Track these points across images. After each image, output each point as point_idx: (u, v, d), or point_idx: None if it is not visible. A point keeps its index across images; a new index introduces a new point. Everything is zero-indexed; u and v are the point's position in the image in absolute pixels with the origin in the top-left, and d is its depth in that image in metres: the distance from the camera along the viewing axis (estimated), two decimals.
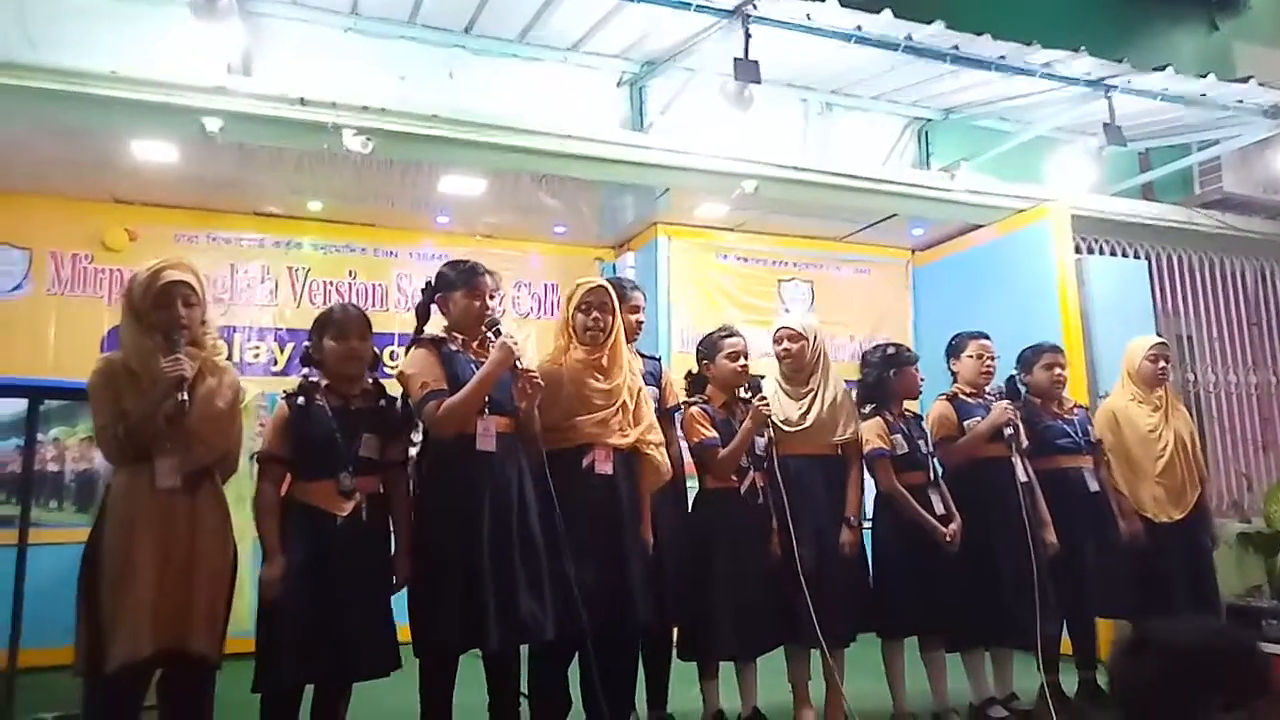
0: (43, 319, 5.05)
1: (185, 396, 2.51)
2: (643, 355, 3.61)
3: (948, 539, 3.54)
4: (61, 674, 3.29)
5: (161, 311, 2.58)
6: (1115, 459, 4.12)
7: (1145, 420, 4.10)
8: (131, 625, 2.41)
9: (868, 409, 3.75)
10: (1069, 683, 3.98)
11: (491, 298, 3.06)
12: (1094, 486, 3.98)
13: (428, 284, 3.12)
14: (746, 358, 3.53)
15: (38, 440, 4.90)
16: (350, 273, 5.68)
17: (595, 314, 3.12)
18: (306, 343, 2.95)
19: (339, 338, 2.86)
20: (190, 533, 2.56)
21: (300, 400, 2.82)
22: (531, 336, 5.74)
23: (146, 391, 2.53)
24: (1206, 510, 4.18)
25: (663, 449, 3.22)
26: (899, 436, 3.65)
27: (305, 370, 2.95)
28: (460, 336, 3.03)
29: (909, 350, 3.89)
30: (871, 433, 3.65)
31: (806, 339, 3.64)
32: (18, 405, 4.51)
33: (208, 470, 2.65)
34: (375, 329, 3.00)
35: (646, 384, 3.47)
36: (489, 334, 2.97)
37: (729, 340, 3.53)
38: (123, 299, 2.67)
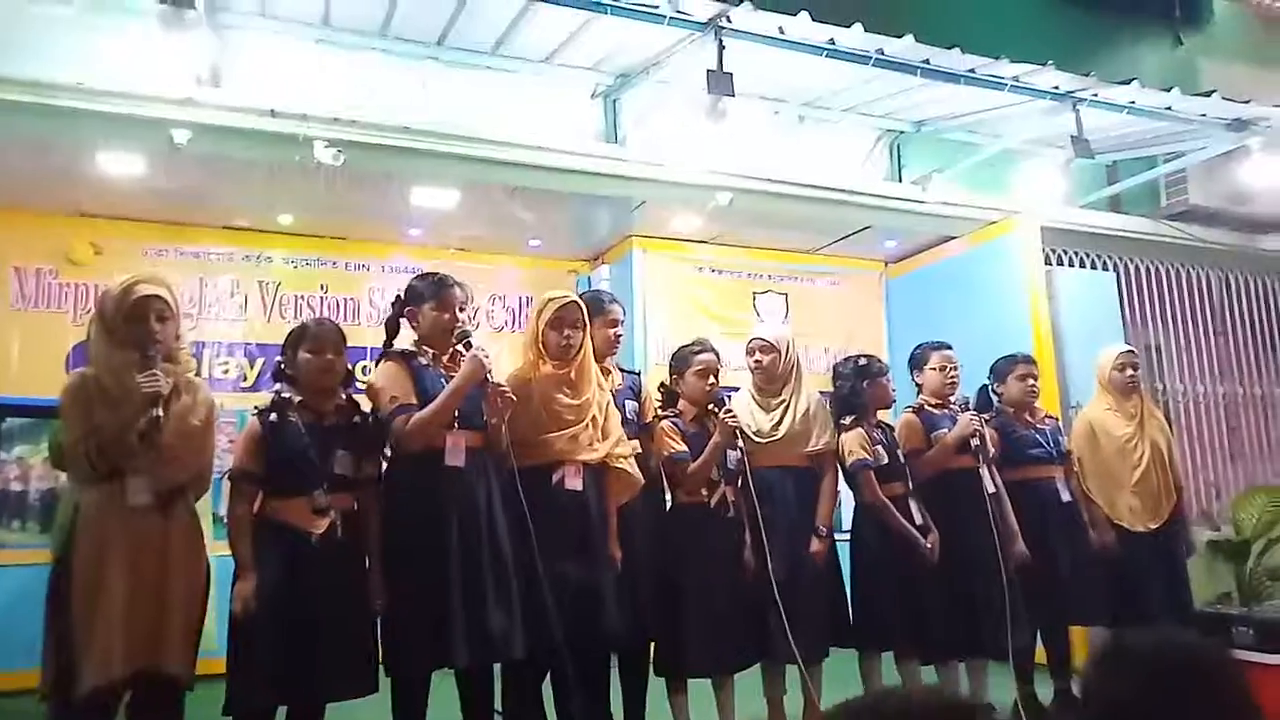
0: (6, 335, 4.95)
1: (160, 413, 2.47)
2: (622, 370, 3.60)
3: (928, 548, 3.55)
4: (22, 699, 3.23)
5: (134, 326, 2.55)
6: (1091, 469, 4.15)
7: (1121, 430, 4.14)
8: (103, 647, 2.38)
9: (848, 420, 3.75)
10: (1045, 693, 4.00)
11: (461, 310, 3.04)
12: (1066, 496, 4.01)
13: (397, 297, 3.09)
14: (717, 375, 3.52)
15: (1, 459, 4.83)
16: (322, 286, 5.62)
17: (567, 330, 3.10)
18: (279, 358, 2.91)
19: (314, 351, 2.82)
20: (163, 552, 2.53)
21: (273, 416, 2.78)
22: (505, 350, 5.70)
23: (119, 407, 2.49)
24: (1184, 518, 4.23)
25: (633, 461, 3.20)
26: (880, 447, 3.66)
27: (277, 386, 2.90)
28: (430, 350, 3.01)
29: (880, 361, 3.91)
30: (854, 444, 3.65)
31: (779, 350, 3.64)
32: None
33: (180, 489, 2.61)
34: (348, 343, 2.96)
35: (626, 398, 3.46)
36: (459, 347, 2.94)
37: (699, 356, 3.52)
38: (94, 314, 2.63)
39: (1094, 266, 6.06)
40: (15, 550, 4.44)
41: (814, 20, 4.25)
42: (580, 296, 3.53)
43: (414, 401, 2.84)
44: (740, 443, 3.47)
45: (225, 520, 2.78)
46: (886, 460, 3.64)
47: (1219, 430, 6.38)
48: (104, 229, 5.18)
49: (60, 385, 2.61)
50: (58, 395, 2.60)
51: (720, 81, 4.20)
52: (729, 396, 3.57)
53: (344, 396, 2.93)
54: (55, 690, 2.43)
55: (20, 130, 3.99)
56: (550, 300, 3.16)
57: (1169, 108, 5.08)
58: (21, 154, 4.31)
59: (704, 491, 3.40)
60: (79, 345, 4.96)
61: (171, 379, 2.57)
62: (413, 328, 3.05)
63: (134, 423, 2.47)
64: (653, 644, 3.42)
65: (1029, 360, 4.18)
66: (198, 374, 2.81)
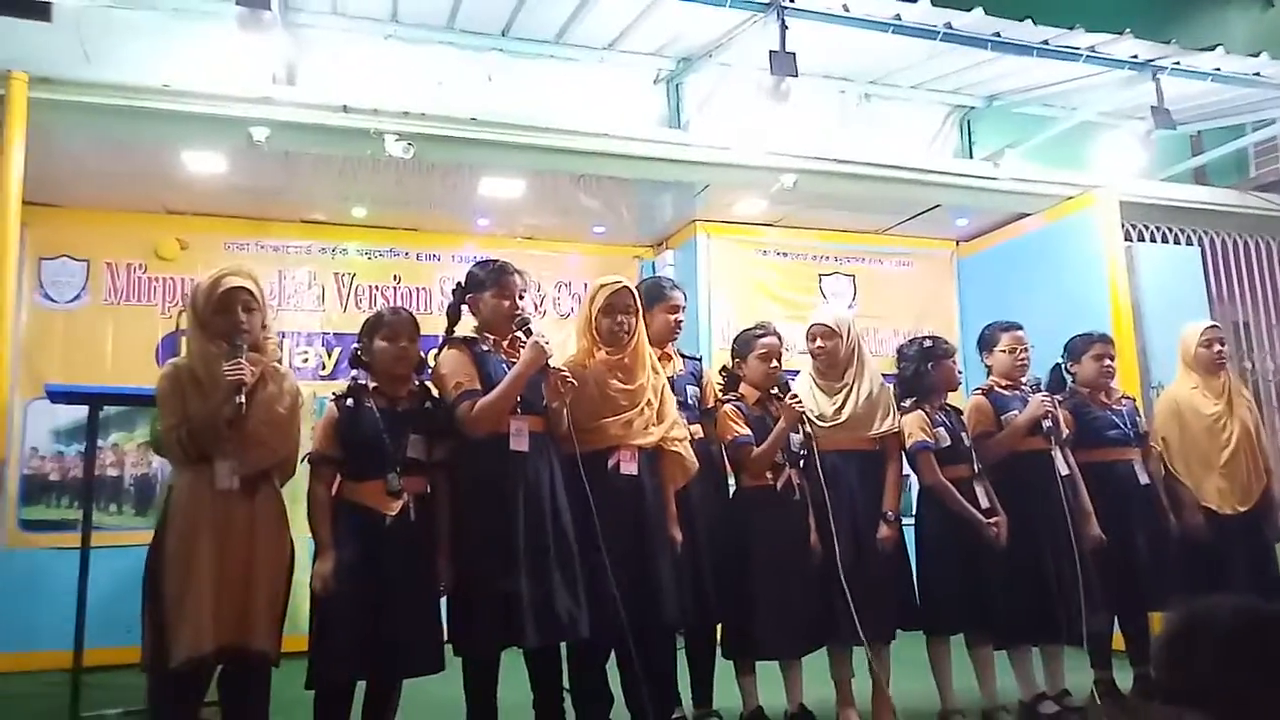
0: (100, 328, 5.20)
1: (243, 400, 2.57)
2: (684, 355, 3.61)
3: (993, 532, 3.50)
4: (122, 672, 3.41)
5: (222, 317, 2.66)
6: (1177, 449, 4.01)
7: (1209, 409, 3.99)
8: (194, 622, 2.48)
9: (908, 403, 3.71)
10: (1124, 679, 3.91)
11: (521, 297, 3.08)
12: (1144, 479, 3.88)
13: (458, 285, 3.15)
14: (780, 358, 3.51)
15: (98, 446, 5.09)
16: (395, 277, 5.76)
17: (620, 316, 3.13)
18: (355, 345, 3.00)
19: (390, 339, 2.90)
20: (249, 533, 2.63)
21: (349, 402, 2.87)
22: (572, 336, 5.75)
23: (208, 396, 2.60)
24: (1273, 502, 4.07)
25: (688, 445, 3.21)
26: (942, 430, 3.60)
27: (354, 372, 3.00)
28: (491, 337, 3.06)
29: (946, 343, 3.82)
30: (914, 426, 3.61)
31: (840, 334, 3.60)
32: (78, 412, 4.65)
33: (265, 473, 2.71)
34: (421, 332, 3.04)
35: (688, 384, 3.48)
36: (520, 333, 3.00)
37: (762, 340, 3.51)
38: (187, 306, 2.75)
39: (1177, 241, 5.83)
40: (112, 532, 4.67)
41: None
42: (641, 283, 3.57)
43: (478, 387, 2.90)
44: (805, 426, 3.45)
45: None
46: (949, 443, 3.58)
47: None
48: (188, 225, 5.40)
49: (151, 375, 2.76)
50: (152, 385, 2.72)
51: (783, 62, 4.17)
52: (791, 379, 3.55)
53: (417, 383, 3.01)
54: (153, 664, 2.55)
55: (109, 132, 4.18)
56: (602, 286, 3.19)
57: (1257, 73, 4.87)
58: (110, 155, 4.51)
59: (769, 475, 3.39)
60: (168, 336, 5.20)
61: (258, 368, 2.67)
62: (474, 315, 3.11)
63: (221, 410, 2.58)
64: (720, 626, 3.45)
65: (1105, 339, 4.05)
66: (283, 364, 2.91)
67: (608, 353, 3.14)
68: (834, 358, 3.59)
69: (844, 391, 3.56)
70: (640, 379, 3.14)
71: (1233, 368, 5.76)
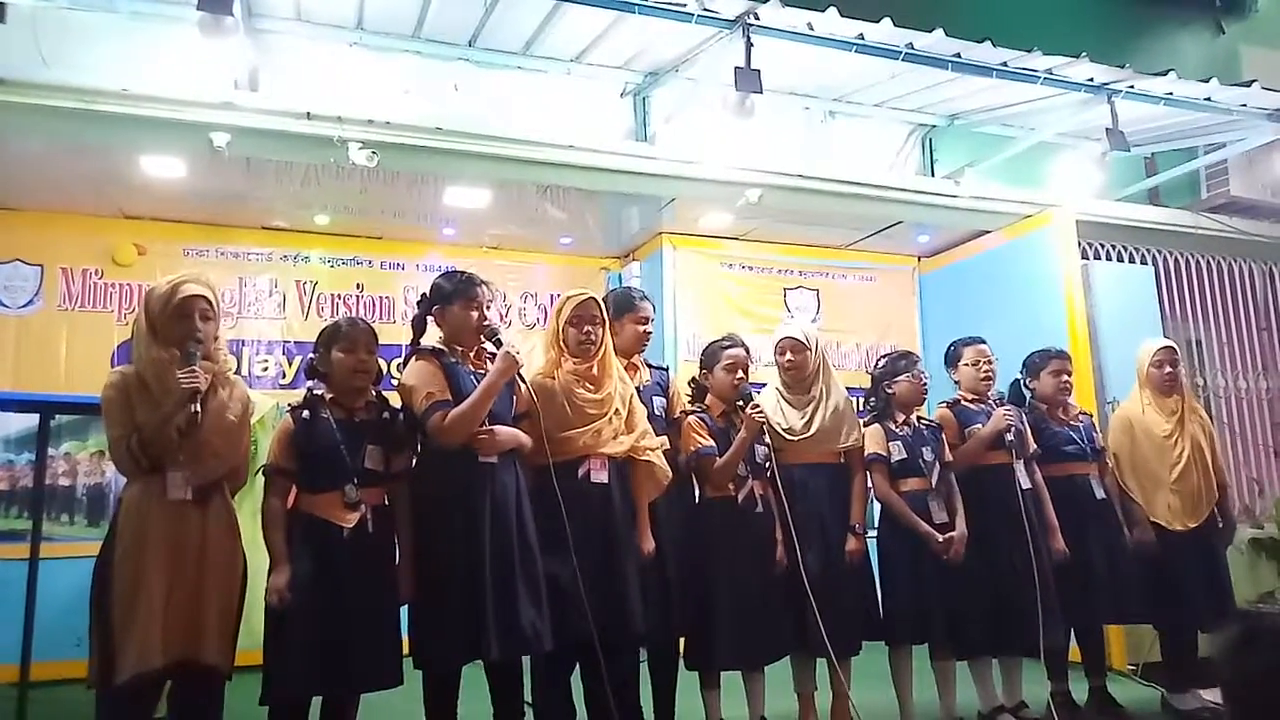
0: (54, 334, 5.09)
1: (198, 409, 2.53)
2: (650, 365, 3.63)
3: (940, 543, 3.53)
4: (71, 687, 3.33)
5: (178, 324, 2.62)
6: (1129, 466, 4.09)
7: (1160, 427, 4.07)
8: (143, 636, 2.43)
9: (869, 415, 3.76)
10: (1079, 691, 3.96)
11: (488, 308, 3.08)
12: (1100, 494, 3.96)
13: (423, 296, 3.14)
14: (746, 370, 3.54)
15: (49, 455, 4.97)
16: (357, 285, 5.71)
17: (586, 327, 3.15)
18: (312, 355, 2.97)
19: (347, 350, 2.88)
20: (201, 544, 2.58)
21: (305, 413, 2.84)
22: (537, 348, 5.74)
23: (159, 403, 2.55)
24: (1229, 517, 4.15)
25: (660, 455, 3.23)
26: (898, 443, 3.65)
27: (310, 383, 2.96)
28: (458, 348, 3.05)
29: (908, 357, 3.86)
30: (870, 439, 3.67)
31: (809, 348, 3.64)
32: (29, 420, 4.55)
33: (218, 483, 2.67)
34: (382, 341, 3.04)
35: (654, 394, 3.49)
36: (489, 344, 2.99)
37: (728, 351, 3.54)
38: (140, 311, 2.69)
39: (1132, 260, 5.96)
40: (63, 543, 4.55)
41: (842, 16, 4.25)
42: (610, 294, 3.59)
43: (449, 398, 2.89)
44: (767, 438, 3.48)
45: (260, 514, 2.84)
46: (904, 456, 3.63)
47: (1262, 427, 6.25)
48: (146, 230, 5.31)
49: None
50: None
51: (748, 79, 4.21)
52: (756, 392, 3.58)
53: (374, 393, 2.99)
54: (101, 679, 2.49)
55: (66, 135, 4.10)
56: (569, 298, 3.21)
57: (1208, 98, 5.00)
58: (67, 158, 4.43)
59: (731, 486, 3.41)
60: (124, 344, 5.10)
61: (209, 376, 2.63)
62: (439, 326, 3.10)
63: (173, 418, 2.54)
64: (683, 638, 3.45)
65: (1063, 355, 4.13)
66: (237, 372, 2.87)
67: (574, 363, 3.15)
68: (802, 371, 3.62)
69: (812, 405, 3.60)
70: (607, 389, 3.15)
71: (1186, 384, 5.92)
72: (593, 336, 3.15)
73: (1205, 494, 4.04)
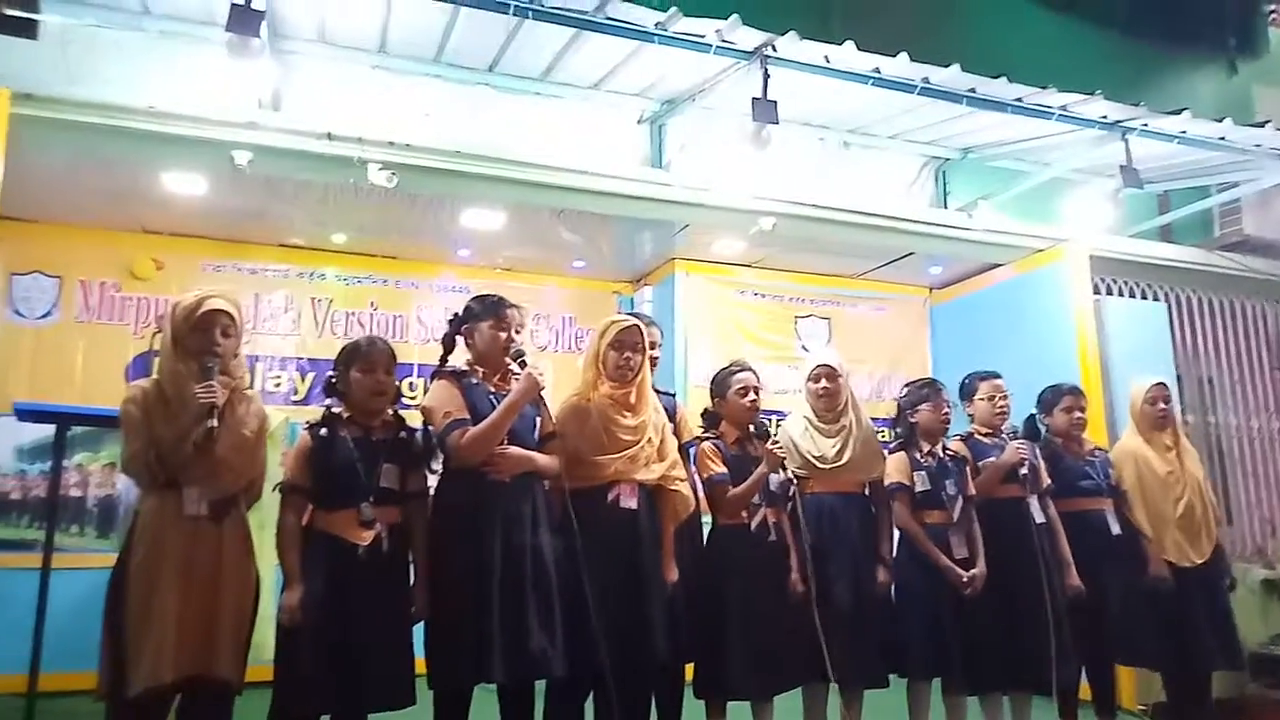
0: (70, 346, 5.13)
1: (215, 424, 2.55)
2: (658, 391, 3.63)
3: (964, 581, 3.52)
4: (78, 698, 3.34)
5: (199, 336, 2.65)
6: (1139, 501, 4.04)
7: (1161, 464, 4.05)
8: (156, 649, 2.44)
9: (894, 444, 3.77)
10: None
11: (518, 331, 3.11)
12: (1116, 529, 3.93)
13: (455, 316, 3.17)
14: (757, 393, 3.54)
15: (62, 466, 5.00)
16: (371, 304, 5.75)
17: (627, 353, 3.16)
18: (331, 373, 2.99)
19: (366, 370, 2.90)
20: (215, 559, 2.60)
21: (323, 431, 2.86)
22: (550, 370, 5.78)
23: (177, 417, 2.57)
24: (1223, 553, 4.13)
25: (687, 485, 3.24)
26: (922, 474, 3.64)
27: (328, 401, 2.98)
28: (481, 369, 3.07)
29: (931, 387, 3.84)
30: (893, 467, 3.66)
31: (843, 376, 3.66)
32: (42, 430, 4.57)
33: (233, 498, 2.68)
34: (397, 361, 3.04)
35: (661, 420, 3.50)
36: (514, 365, 3.01)
37: (738, 375, 3.55)
38: (165, 323, 2.72)
39: (1144, 297, 5.97)
40: (74, 554, 4.57)
41: (859, 49, 4.29)
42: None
43: (467, 417, 2.90)
44: (787, 467, 3.47)
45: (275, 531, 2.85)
46: (928, 488, 3.62)
47: (1274, 466, 6.23)
48: (165, 245, 5.36)
49: (120, 395, 2.69)
50: (118, 405, 2.68)
51: (765, 109, 4.25)
52: (772, 420, 3.58)
53: (391, 412, 3.00)
54: (111, 691, 2.49)
55: (91, 150, 4.16)
56: (614, 322, 3.24)
57: (1222, 138, 5.02)
58: (90, 173, 4.49)
59: (744, 514, 3.41)
60: (139, 356, 5.15)
61: (226, 391, 2.65)
62: (468, 346, 3.12)
63: (190, 433, 2.55)
64: (691, 665, 3.43)
65: (1076, 391, 4.13)
66: (250, 387, 2.89)
67: (612, 386, 3.16)
68: (835, 399, 3.63)
69: (843, 434, 3.60)
70: (644, 415, 3.17)
71: (1197, 421, 5.90)
72: (633, 363, 3.16)
73: (1207, 529, 4.02)
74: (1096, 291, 5.61)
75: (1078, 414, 4.05)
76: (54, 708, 3.56)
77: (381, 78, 4.79)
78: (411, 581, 2.89)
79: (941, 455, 3.73)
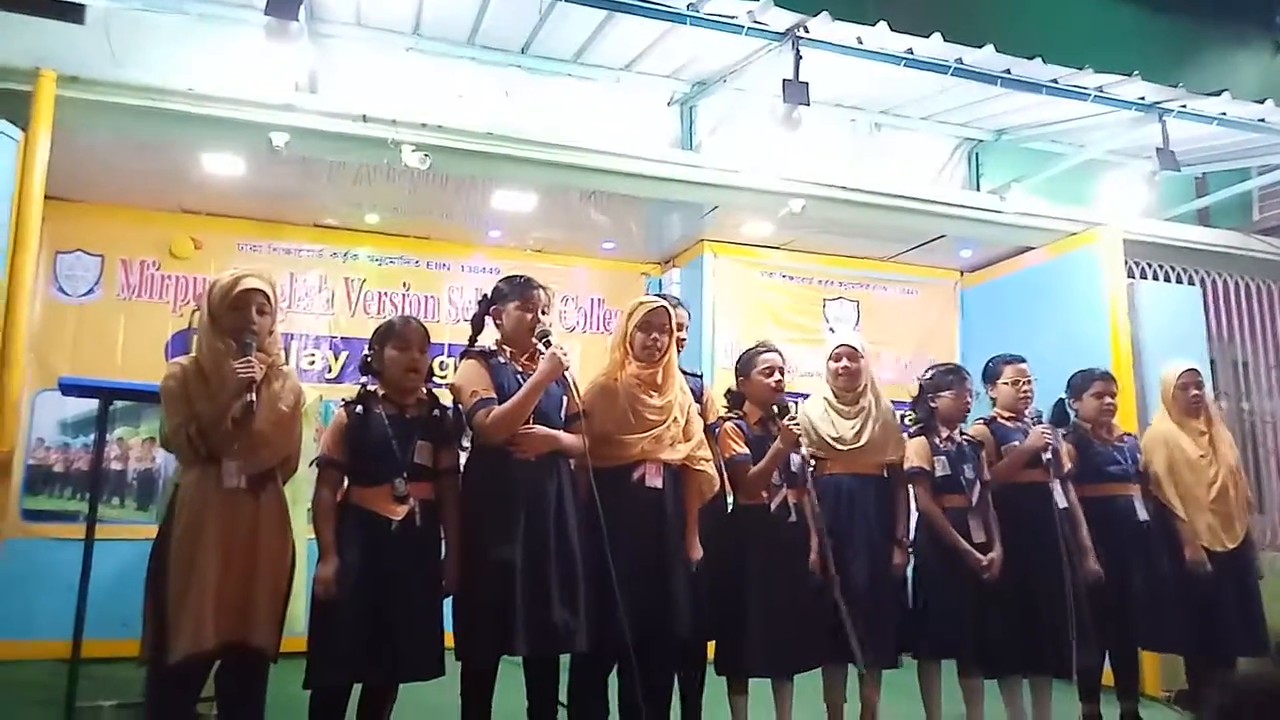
0: (112, 323, 5.26)
1: (254, 399, 2.62)
2: (686, 372, 3.66)
3: (983, 565, 3.53)
4: (117, 665, 3.45)
5: (235, 315, 2.71)
6: (1171, 485, 4.02)
7: (1194, 448, 4.03)
8: (197, 618, 2.52)
9: (914, 429, 3.77)
10: (1110, 714, 3.93)
11: (545, 312, 3.15)
12: (1143, 515, 3.92)
13: (484, 296, 3.22)
14: (782, 373, 3.56)
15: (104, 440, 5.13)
16: (404, 284, 5.82)
17: (655, 334, 3.19)
18: (367, 352, 3.04)
19: (401, 348, 2.96)
20: (253, 531, 2.67)
21: (359, 408, 2.92)
22: (577, 351, 5.82)
23: (216, 393, 2.64)
24: (1252, 539, 4.11)
25: (711, 465, 3.27)
26: (942, 459, 3.64)
27: (364, 379, 3.05)
28: (509, 349, 3.12)
29: (955, 372, 3.83)
30: (913, 451, 3.67)
31: (865, 357, 3.67)
32: (85, 405, 4.71)
33: (270, 472, 2.75)
34: (430, 341, 3.09)
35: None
36: (539, 345, 3.06)
37: (764, 356, 3.56)
38: (203, 302, 2.79)
39: (1179, 281, 5.89)
40: (114, 525, 4.69)
41: (892, 30, 4.26)
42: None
43: (494, 396, 2.96)
44: (804, 448, 3.50)
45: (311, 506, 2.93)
46: (949, 472, 3.63)
47: None
48: (203, 225, 5.47)
49: (160, 372, 2.78)
50: (158, 381, 2.76)
51: (796, 91, 4.24)
52: (796, 403, 3.60)
53: (424, 391, 3.06)
54: (154, 657, 2.57)
55: (132, 132, 4.25)
56: (642, 303, 3.27)
57: (1262, 119, 4.93)
58: (131, 154, 4.58)
59: (764, 494, 3.44)
60: (178, 334, 5.26)
61: (263, 368, 2.71)
62: (496, 326, 3.18)
63: (229, 408, 2.62)
64: (713, 643, 3.48)
65: (1107, 376, 4.10)
66: (286, 364, 2.96)
67: (639, 367, 3.20)
68: (856, 380, 3.65)
69: (862, 415, 3.62)
70: (670, 395, 3.20)
71: (1231, 407, 5.82)
72: (660, 343, 3.19)
73: (1240, 513, 4.01)
74: (1130, 275, 5.55)
75: (1108, 399, 4.03)
76: (95, 673, 3.68)
77: (415, 60, 4.83)
78: (443, 556, 2.96)
79: (960, 440, 3.73)
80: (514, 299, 3.12)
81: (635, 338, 3.21)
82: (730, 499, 3.57)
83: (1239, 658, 3.94)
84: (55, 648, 3.95)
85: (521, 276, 3.20)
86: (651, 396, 3.17)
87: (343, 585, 2.75)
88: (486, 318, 3.19)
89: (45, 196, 3.94)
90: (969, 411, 3.82)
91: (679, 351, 3.58)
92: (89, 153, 4.47)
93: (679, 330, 3.55)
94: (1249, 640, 3.84)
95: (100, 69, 4.07)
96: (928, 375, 3.88)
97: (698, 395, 3.60)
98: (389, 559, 2.80)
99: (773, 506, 3.42)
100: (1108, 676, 4.00)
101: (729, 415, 3.58)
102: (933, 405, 3.75)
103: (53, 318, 5.14)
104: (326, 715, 2.81)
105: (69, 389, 3.66)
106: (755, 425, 3.53)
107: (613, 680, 3.19)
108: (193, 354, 2.80)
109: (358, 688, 2.89)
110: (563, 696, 3.17)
